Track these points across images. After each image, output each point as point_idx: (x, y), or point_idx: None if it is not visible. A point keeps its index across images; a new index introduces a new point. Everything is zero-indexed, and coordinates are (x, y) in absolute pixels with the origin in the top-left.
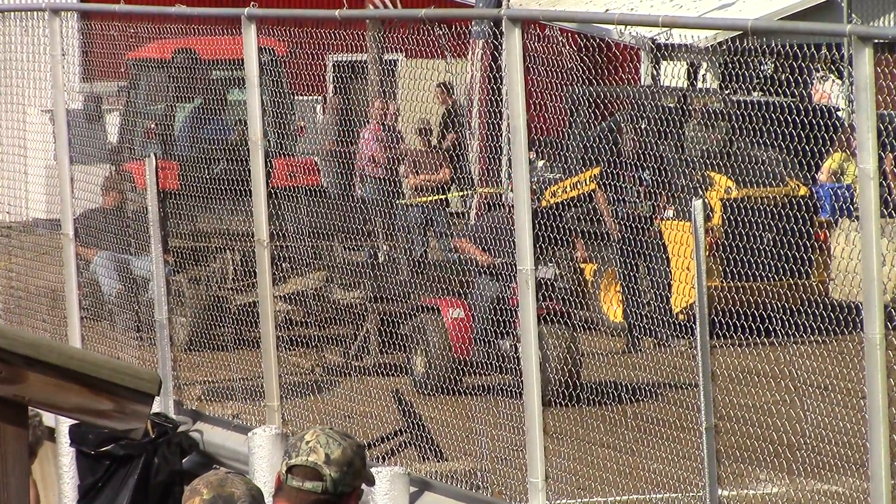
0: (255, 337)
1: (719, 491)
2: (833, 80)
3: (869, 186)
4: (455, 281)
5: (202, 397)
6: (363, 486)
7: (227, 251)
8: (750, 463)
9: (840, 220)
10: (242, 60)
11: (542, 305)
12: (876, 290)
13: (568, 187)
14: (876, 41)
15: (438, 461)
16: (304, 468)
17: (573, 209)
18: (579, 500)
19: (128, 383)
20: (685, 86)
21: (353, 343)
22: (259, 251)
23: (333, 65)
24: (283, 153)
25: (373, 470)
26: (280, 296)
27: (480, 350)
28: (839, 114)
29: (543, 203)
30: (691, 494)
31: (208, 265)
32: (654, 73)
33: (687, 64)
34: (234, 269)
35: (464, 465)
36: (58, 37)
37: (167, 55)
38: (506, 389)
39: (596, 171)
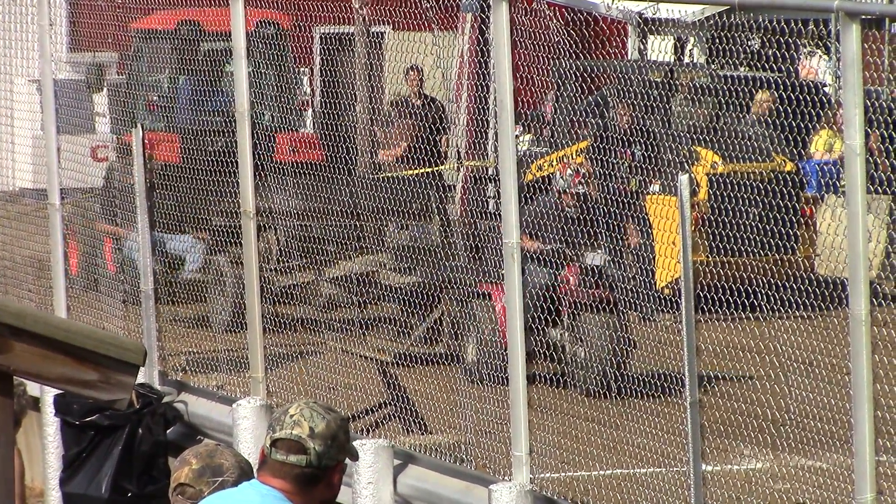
0: (298, 319)
1: (703, 466)
2: (820, 56)
3: (855, 162)
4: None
5: (187, 368)
6: (347, 459)
7: (270, 230)
8: (734, 438)
9: (826, 195)
10: (248, 32)
11: (589, 293)
12: (861, 266)
13: (554, 161)
14: (863, 17)
15: (423, 434)
16: (288, 441)
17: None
18: (563, 474)
19: (113, 354)
20: (672, 60)
21: (414, 329)
22: (245, 223)
23: (321, 37)
24: (288, 128)
25: (357, 442)
26: (329, 279)
27: (529, 338)
28: (826, 90)
29: (529, 177)
30: (675, 469)
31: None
32: (641, 47)
33: (674, 39)
34: (279, 248)
35: (448, 439)
36: (45, 6)
37: (171, 26)
38: (556, 378)
39: (583, 144)
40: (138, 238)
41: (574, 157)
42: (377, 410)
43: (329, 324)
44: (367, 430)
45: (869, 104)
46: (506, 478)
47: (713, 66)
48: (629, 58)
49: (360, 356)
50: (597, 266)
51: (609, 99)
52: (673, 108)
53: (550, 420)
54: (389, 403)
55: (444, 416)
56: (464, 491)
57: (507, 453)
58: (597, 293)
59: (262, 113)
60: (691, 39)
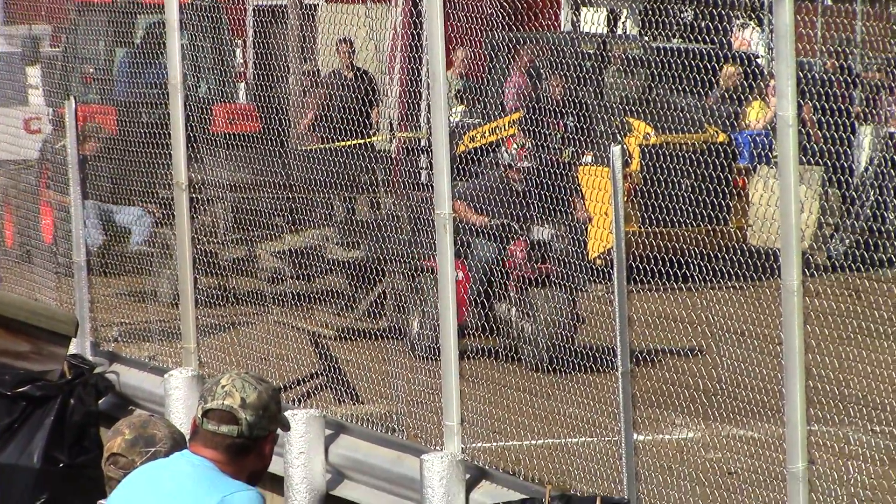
0: (242, 292)
1: (635, 435)
2: (753, 28)
3: (787, 133)
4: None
5: (119, 339)
6: (279, 430)
7: (218, 203)
8: (665, 408)
9: (759, 166)
10: (187, 4)
11: (537, 268)
12: (794, 236)
13: (486, 132)
14: None
15: (354, 404)
16: (219, 412)
17: (492, 155)
18: (494, 444)
19: (45, 325)
20: (605, 32)
21: (359, 304)
22: (177, 194)
23: (254, 9)
24: (224, 99)
25: (288, 413)
26: (274, 253)
27: (476, 312)
28: (759, 61)
29: (461, 148)
30: (607, 439)
31: (197, 218)
32: (574, 19)
33: (607, 10)
34: (225, 222)
35: (379, 408)
36: None
37: None
38: (501, 353)
39: (515, 116)
40: (79, 210)
41: (506, 128)
42: (309, 381)
43: (274, 298)
44: (299, 401)
45: (801, 75)
46: (437, 447)
47: (646, 38)
48: (562, 29)
49: (302, 330)
50: (544, 241)
51: (542, 70)
52: (606, 79)
53: (482, 390)
54: (321, 374)
55: (376, 387)
56: (395, 460)
57: (439, 423)
58: (544, 268)
59: (198, 85)
60: (624, 11)
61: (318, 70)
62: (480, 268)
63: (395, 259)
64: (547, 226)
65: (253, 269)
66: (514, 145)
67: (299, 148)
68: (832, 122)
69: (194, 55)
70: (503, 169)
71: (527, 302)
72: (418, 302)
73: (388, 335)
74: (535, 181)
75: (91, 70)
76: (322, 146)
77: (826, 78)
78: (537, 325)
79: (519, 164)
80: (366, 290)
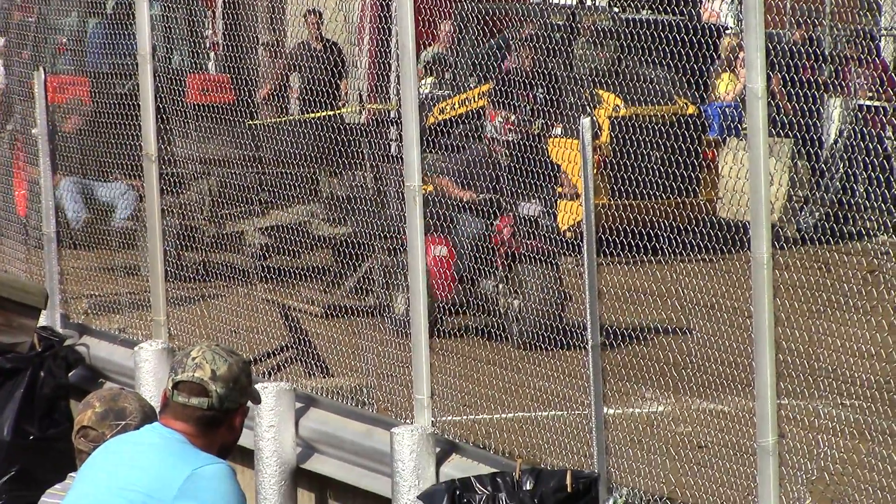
0: (228, 270)
1: (605, 409)
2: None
3: (757, 106)
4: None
5: (88, 311)
6: (249, 402)
7: (203, 179)
8: (636, 381)
9: (728, 138)
10: None
11: (524, 244)
12: (763, 209)
13: (456, 104)
14: None
15: (324, 377)
16: (189, 384)
17: (461, 126)
18: (464, 417)
19: (15, 297)
20: (574, 3)
21: (347, 280)
22: (147, 165)
23: None
24: (196, 70)
25: (259, 385)
26: (260, 228)
27: (463, 289)
28: (728, 32)
29: (431, 119)
30: (577, 412)
31: (181, 194)
32: None
33: None
34: (211, 199)
35: (349, 382)
36: None
37: None
38: (489, 331)
39: (485, 87)
40: (69, 185)
41: (476, 99)
42: (279, 353)
43: (259, 274)
44: (269, 374)
45: (770, 47)
46: (407, 420)
47: (615, 9)
48: (531, 1)
49: (287, 307)
50: (531, 217)
51: (511, 42)
52: (575, 51)
53: (452, 363)
54: (291, 347)
55: (346, 360)
56: (365, 434)
57: (409, 396)
58: (532, 244)
59: (170, 56)
60: None
61: (280, 41)
62: (467, 244)
63: (380, 235)
64: (534, 201)
65: (239, 244)
66: (499, 118)
67: (265, 120)
68: (801, 94)
69: (166, 26)
70: (487, 142)
71: (514, 279)
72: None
73: (375, 312)
74: (521, 155)
75: (64, 40)
76: (287, 118)
77: (795, 50)
78: (526, 301)
79: (504, 138)
80: (353, 266)
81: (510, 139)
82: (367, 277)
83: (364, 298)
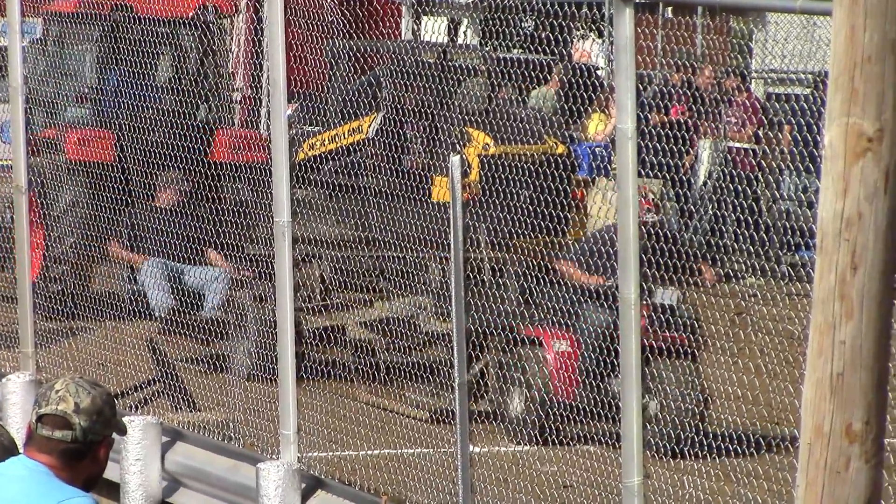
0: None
1: (471, 447)
2: (593, 40)
3: (627, 146)
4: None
5: None
6: (114, 434)
7: (309, 262)
8: (502, 420)
9: (597, 178)
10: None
11: (661, 335)
12: (632, 249)
13: (326, 140)
14: (637, 1)
15: (191, 411)
16: (53, 417)
17: (331, 162)
18: (331, 454)
19: None
20: (446, 41)
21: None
22: (16, 198)
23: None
24: (222, 125)
25: (125, 419)
26: (363, 322)
27: (587, 392)
28: (599, 73)
29: (301, 155)
30: (443, 450)
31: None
32: (415, 28)
33: (448, 19)
34: (320, 285)
35: (216, 416)
36: None
37: (103, 9)
38: (607, 441)
39: (356, 124)
40: (151, 269)
41: (346, 136)
42: (146, 387)
43: (360, 370)
44: (136, 407)
45: (641, 88)
46: (273, 456)
47: (487, 48)
48: (403, 38)
49: (392, 411)
50: (669, 305)
51: (382, 79)
52: (446, 89)
53: (319, 399)
54: (158, 380)
55: (213, 394)
56: (231, 469)
57: (276, 432)
58: (669, 336)
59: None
60: (465, 20)
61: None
62: (594, 334)
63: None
64: (672, 288)
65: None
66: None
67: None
68: (671, 135)
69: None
70: (613, 228)
71: (650, 376)
72: (518, 378)
73: (488, 418)
74: (659, 236)
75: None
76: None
77: (666, 91)
78: (666, 402)
79: (643, 218)
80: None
81: (649, 220)
82: (482, 378)
83: (477, 402)
